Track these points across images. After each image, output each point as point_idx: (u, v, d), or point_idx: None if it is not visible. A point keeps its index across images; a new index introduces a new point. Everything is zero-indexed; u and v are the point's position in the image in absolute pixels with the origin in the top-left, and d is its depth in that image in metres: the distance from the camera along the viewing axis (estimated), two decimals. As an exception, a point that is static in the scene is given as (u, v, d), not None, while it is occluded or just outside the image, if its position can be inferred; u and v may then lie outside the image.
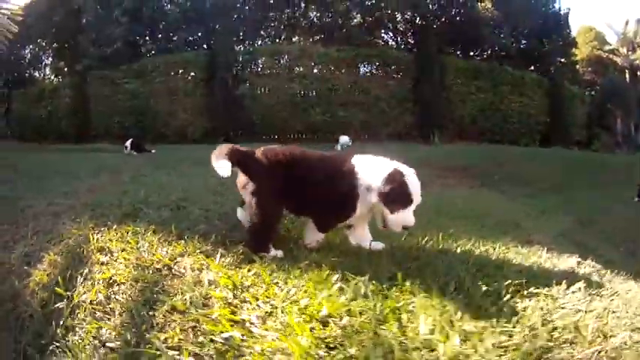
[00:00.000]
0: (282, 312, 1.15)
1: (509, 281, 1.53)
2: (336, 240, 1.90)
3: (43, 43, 21.22)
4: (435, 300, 1.31)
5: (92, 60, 16.69)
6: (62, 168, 5.07)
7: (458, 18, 17.10)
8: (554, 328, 1.32)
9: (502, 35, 19.13)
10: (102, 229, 1.84)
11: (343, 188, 1.69)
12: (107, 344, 1.12)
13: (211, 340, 1.06)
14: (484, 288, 1.45)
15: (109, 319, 1.22)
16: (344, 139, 11.69)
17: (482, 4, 17.24)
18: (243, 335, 1.06)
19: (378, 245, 1.87)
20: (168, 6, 16.58)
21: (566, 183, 9.91)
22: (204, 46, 15.85)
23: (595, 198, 8.21)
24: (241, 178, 1.75)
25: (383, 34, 16.45)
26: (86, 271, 1.49)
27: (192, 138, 13.21)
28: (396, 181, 1.64)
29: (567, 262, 2.15)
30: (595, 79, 30.11)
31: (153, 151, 10.04)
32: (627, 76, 30.16)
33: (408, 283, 1.39)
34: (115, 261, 1.54)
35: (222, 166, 1.65)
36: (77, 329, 1.21)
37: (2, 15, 9.66)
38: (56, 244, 1.81)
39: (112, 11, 17.36)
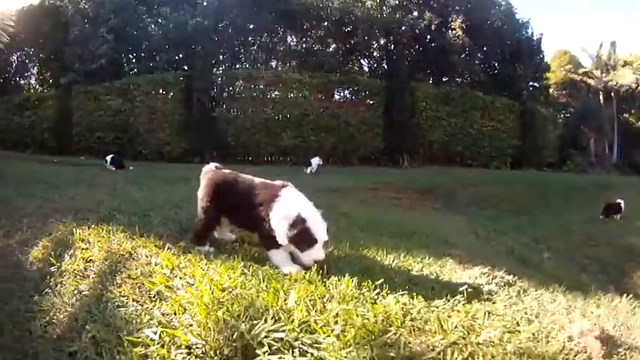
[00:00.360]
0: (199, 282, 1.68)
1: (383, 279, 1.80)
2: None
3: (30, 52, 21.41)
4: (312, 286, 1.71)
5: (77, 74, 17.09)
6: (47, 178, 5.59)
7: (430, 45, 17.86)
8: (413, 319, 1.52)
9: (476, 62, 20.01)
10: (83, 227, 2.39)
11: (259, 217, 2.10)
12: (83, 292, 1.66)
13: (148, 293, 1.62)
14: (355, 281, 1.76)
15: (85, 279, 1.79)
16: (315, 160, 12.28)
17: (454, 31, 18.04)
18: (169, 292, 1.63)
19: (285, 263, 2.08)
20: (152, 26, 17.09)
21: (532, 204, 10.27)
22: (185, 67, 16.35)
23: (559, 218, 8.63)
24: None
25: (356, 61, 17.13)
26: (71, 252, 2.05)
27: (170, 157, 13.71)
28: (300, 227, 1.91)
29: (471, 272, 2.46)
30: (569, 101, 31.23)
31: (131, 167, 10.47)
32: (601, 97, 31.34)
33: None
34: (92, 248, 2.12)
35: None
36: (64, 283, 1.75)
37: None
38: (46, 235, 2.32)
39: (98, 28, 17.82)
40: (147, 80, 15.07)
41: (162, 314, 1.47)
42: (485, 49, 20.54)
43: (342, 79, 14.91)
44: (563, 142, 23.98)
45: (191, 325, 1.38)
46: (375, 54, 17.66)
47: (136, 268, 1.84)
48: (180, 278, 1.77)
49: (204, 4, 17.00)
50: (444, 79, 19.04)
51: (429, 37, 18.60)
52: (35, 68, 22.25)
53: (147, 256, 2.01)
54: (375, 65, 17.72)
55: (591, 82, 31.04)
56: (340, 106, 14.60)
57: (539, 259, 5.11)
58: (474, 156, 17.17)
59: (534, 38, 22.55)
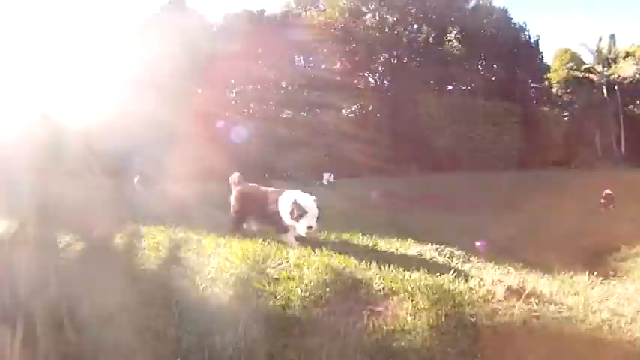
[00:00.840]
0: (235, 247, 2.73)
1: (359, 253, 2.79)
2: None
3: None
4: (305, 249, 2.78)
5: None
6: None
7: (429, 57, 18.68)
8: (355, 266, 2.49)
9: (475, 69, 20.76)
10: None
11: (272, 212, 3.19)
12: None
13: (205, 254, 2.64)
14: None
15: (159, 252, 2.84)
16: (326, 175, 13.25)
17: (450, 43, 18.83)
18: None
19: (292, 240, 3.16)
20: None
21: (530, 201, 10.94)
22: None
23: (556, 213, 8.92)
24: None
25: (361, 77, 18.04)
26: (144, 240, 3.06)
27: None
28: (294, 205, 3.00)
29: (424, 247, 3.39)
30: (573, 98, 31.55)
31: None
32: (604, 91, 31.61)
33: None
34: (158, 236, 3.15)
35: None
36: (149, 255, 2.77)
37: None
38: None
39: None
40: None
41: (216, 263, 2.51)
42: (483, 56, 21.27)
43: (348, 95, 15.79)
44: (568, 139, 24.30)
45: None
46: (379, 69, 18.54)
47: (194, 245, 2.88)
48: (225, 245, 2.87)
49: (214, 29, 18.04)
50: (448, 88, 19.80)
51: (427, 49, 19.49)
52: None
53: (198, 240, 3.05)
54: (379, 79, 18.61)
55: (593, 77, 31.31)
56: (349, 121, 15.48)
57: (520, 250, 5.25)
58: (478, 161, 17.77)
59: (531, 41, 23.17)
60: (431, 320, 1.83)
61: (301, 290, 2.10)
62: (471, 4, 21.85)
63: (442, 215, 8.42)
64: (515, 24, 22.83)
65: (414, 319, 1.86)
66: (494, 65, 21.80)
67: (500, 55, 21.39)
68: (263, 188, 3.46)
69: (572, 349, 1.79)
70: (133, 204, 6.17)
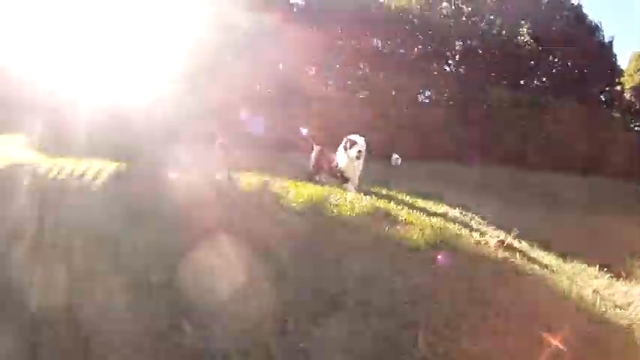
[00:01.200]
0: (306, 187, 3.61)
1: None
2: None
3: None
4: (359, 194, 3.64)
5: None
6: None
7: (501, 51, 18.64)
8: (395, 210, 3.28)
9: (546, 66, 20.42)
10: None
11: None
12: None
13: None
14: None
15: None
16: (395, 156, 13.86)
17: (522, 38, 18.66)
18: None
19: (352, 189, 4.07)
20: None
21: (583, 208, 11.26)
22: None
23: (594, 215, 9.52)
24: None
25: (437, 65, 18.31)
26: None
27: None
28: (347, 139, 4.19)
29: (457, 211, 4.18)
30: (648, 106, 30.01)
31: None
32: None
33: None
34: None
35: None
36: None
37: None
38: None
39: None
40: None
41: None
42: (554, 53, 20.79)
43: (422, 82, 16.19)
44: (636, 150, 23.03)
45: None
46: (452, 59, 18.73)
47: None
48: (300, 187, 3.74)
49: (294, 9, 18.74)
50: (522, 82, 19.68)
51: (500, 42, 19.35)
52: None
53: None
54: (454, 69, 18.80)
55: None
56: (421, 107, 15.93)
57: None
58: (543, 159, 17.65)
59: (605, 41, 22.30)
60: (428, 241, 2.60)
61: (351, 213, 2.97)
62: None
63: (490, 204, 8.68)
64: (589, 22, 22.04)
65: (417, 237, 2.66)
66: (565, 63, 21.24)
67: (572, 54, 20.84)
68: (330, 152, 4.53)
69: (526, 289, 2.33)
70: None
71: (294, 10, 18.36)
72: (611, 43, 22.27)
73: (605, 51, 21.90)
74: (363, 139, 4.16)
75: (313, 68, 15.85)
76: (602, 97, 22.54)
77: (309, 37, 16.56)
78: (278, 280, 2.06)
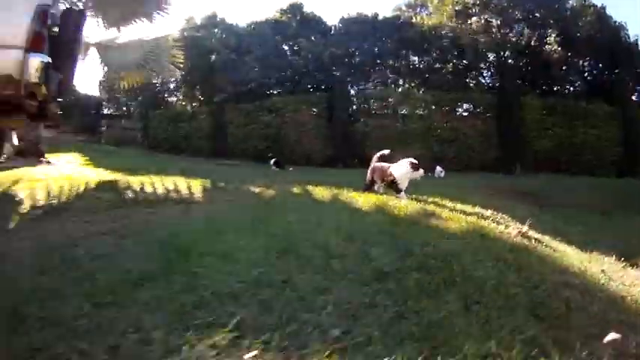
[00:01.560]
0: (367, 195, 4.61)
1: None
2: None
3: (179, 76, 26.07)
4: (411, 202, 4.44)
5: (229, 95, 21.11)
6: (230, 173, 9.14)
7: (532, 60, 19.34)
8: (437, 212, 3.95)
9: (576, 72, 20.90)
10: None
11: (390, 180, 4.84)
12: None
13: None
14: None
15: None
16: (438, 168, 14.75)
17: (550, 46, 19.29)
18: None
19: (404, 197, 4.67)
20: (293, 57, 20.61)
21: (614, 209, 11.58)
22: (322, 87, 19.49)
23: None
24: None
25: (472, 79, 19.23)
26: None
27: (316, 162, 16.82)
28: (413, 164, 4.69)
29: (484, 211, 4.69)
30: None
31: (290, 169, 13.19)
32: None
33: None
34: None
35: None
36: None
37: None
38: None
39: (241, 57, 21.51)
40: (294, 100, 18.36)
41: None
42: (582, 57, 21.22)
43: (460, 95, 17.16)
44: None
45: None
46: (485, 71, 19.65)
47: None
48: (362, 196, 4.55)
49: (332, 32, 20.04)
50: (554, 89, 20.27)
51: (529, 52, 20.06)
52: (182, 89, 26.64)
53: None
54: (488, 81, 19.70)
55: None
56: (459, 119, 16.89)
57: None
58: (578, 164, 18.02)
59: (630, 40, 22.32)
60: (461, 231, 3.27)
61: (405, 212, 3.79)
62: (569, 4, 21.81)
63: (523, 206, 8.81)
64: (614, 22, 22.24)
65: (453, 227, 3.38)
66: (594, 66, 21.60)
67: (600, 56, 21.15)
68: (386, 164, 5.06)
69: (528, 263, 2.65)
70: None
71: (332, 32, 19.70)
72: (636, 42, 22.31)
73: (631, 51, 21.98)
74: (415, 160, 4.91)
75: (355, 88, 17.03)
76: (634, 98, 22.55)
77: (347, 59, 17.81)
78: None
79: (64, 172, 6.39)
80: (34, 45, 3.36)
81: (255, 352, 1.32)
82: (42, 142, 9.15)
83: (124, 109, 28.43)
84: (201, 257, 2.13)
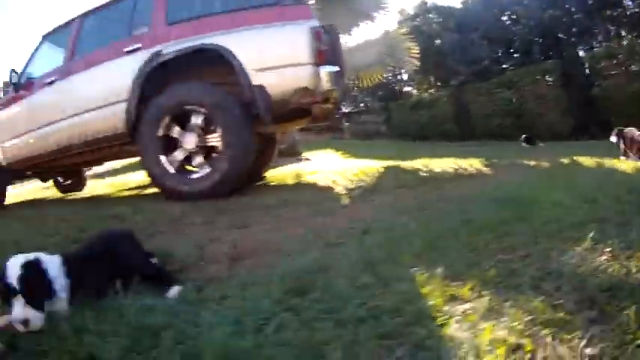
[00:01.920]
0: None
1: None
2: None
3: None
4: None
5: (465, 76, 22.42)
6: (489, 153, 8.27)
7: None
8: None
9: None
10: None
11: None
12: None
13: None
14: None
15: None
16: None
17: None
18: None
19: None
20: (518, 26, 21.35)
21: None
22: (550, 53, 19.58)
23: None
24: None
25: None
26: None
27: (559, 135, 15.84)
28: None
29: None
30: None
31: (541, 144, 12.57)
32: None
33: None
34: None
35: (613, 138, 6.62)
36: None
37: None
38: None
39: (467, 36, 22.70)
40: (527, 72, 18.04)
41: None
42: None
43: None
44: None
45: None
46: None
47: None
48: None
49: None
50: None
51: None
52: (416, 78, 27.92)
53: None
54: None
55: None
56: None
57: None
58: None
59: None
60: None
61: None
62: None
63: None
64: None
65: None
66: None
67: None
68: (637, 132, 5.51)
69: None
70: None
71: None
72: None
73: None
74: None
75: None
76: None
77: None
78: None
79: (336, 165, 6.58)
80: (320, 59, 3.85)
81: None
82: (298, 144, 9.71)
83: (361, 105, 30.12)
84: (540, 204, 2.65)
